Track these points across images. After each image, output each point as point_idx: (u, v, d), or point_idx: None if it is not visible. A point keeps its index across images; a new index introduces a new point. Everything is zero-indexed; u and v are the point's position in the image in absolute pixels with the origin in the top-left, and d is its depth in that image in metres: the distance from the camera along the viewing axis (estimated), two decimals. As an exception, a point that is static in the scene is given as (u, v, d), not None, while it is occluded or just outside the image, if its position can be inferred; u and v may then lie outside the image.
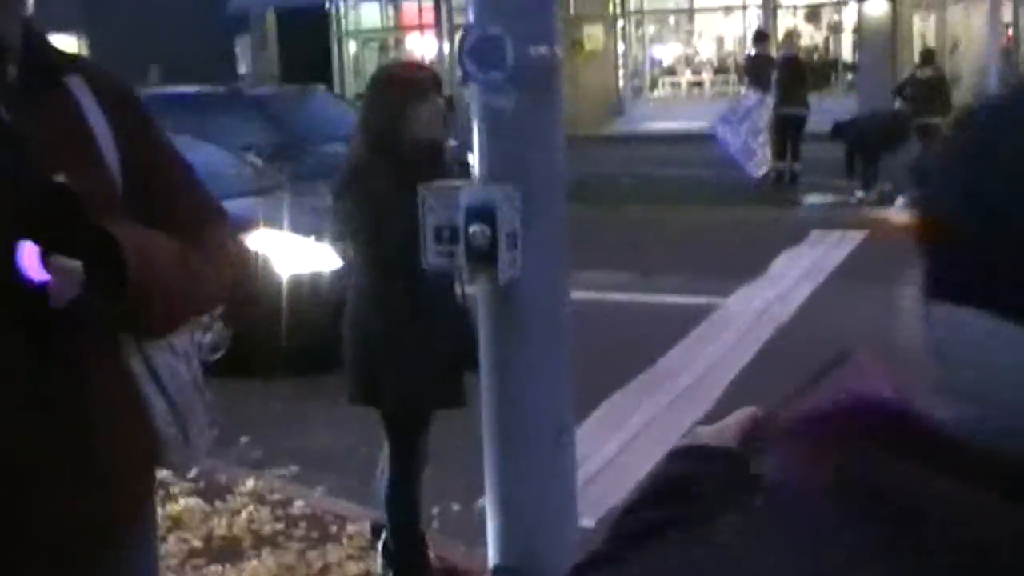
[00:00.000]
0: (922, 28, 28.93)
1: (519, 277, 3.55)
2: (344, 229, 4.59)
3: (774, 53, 19.10)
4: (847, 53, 29.93)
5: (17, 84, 2.00)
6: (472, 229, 3.48)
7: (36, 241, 1.89)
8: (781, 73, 17.11)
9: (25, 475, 2.00)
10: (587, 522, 5.28)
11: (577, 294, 8.18)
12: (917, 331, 0.88)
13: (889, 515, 0.80)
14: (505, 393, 3.71)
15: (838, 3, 30.22)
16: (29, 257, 1.89)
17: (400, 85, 4.47)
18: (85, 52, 37.96)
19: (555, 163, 3.68)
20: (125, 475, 2.19)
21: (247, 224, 7.70)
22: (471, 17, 3.64)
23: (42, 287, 1.89)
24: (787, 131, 16.84)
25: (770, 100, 16.86)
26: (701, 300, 9.88)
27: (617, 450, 6.45)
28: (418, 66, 6.71)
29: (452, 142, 4.52)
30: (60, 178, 1.92)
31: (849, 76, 28.52)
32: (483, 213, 3.47)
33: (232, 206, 7.96)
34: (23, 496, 2.01)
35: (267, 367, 8.02)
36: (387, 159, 4.30)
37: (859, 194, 15.18)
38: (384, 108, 4.40)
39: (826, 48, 30.98)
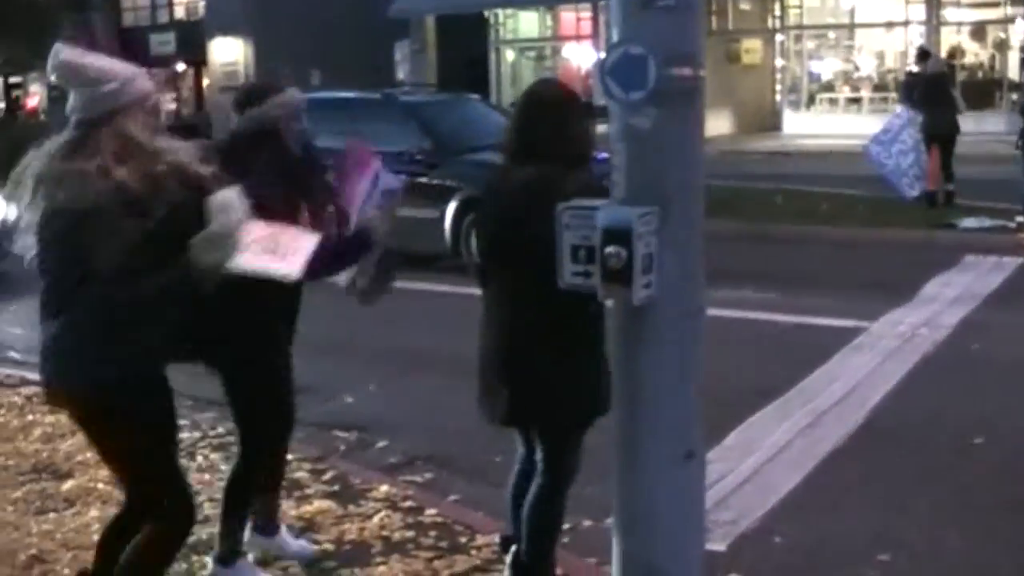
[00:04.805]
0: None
1: (653, 296, 3.53)
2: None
3: (935, 71, 18.61)
4: (1013, 71, 29.17)
5: None
6: (608, 250, 3.47)
7: None
8: (925, 90, 16.64)
9: None
10: (716, 546, 5.22)
11: (721, 312, 8.21)
12: None
13: None
14: (635, 412, 3.69)
15: (1005, 20, 29.48)
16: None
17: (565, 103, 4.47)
18: (251, 55, 38.98)
19: (694, 184, 3.65)
20: None
21: None
22: (615, 35, 3.64)
23: None
24: (937, 149, 16.35)
25: (920, 118, 16.41)
26: (848, 323, 9.68)
27: (751, 472, 6.36)
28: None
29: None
30: None
31: (1014, 96, 27.68)
32: (620, 234, 3.46)
33: None
34: None
35: None
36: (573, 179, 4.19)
37: (1019, 219, 14.72)
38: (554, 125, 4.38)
39: (991, 66, 30.24)
